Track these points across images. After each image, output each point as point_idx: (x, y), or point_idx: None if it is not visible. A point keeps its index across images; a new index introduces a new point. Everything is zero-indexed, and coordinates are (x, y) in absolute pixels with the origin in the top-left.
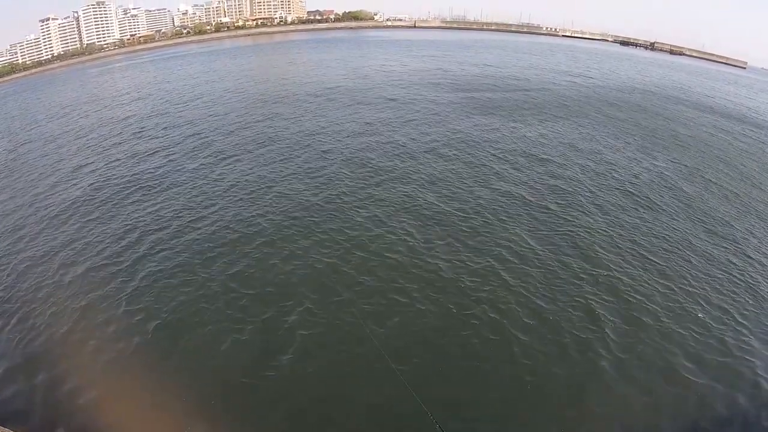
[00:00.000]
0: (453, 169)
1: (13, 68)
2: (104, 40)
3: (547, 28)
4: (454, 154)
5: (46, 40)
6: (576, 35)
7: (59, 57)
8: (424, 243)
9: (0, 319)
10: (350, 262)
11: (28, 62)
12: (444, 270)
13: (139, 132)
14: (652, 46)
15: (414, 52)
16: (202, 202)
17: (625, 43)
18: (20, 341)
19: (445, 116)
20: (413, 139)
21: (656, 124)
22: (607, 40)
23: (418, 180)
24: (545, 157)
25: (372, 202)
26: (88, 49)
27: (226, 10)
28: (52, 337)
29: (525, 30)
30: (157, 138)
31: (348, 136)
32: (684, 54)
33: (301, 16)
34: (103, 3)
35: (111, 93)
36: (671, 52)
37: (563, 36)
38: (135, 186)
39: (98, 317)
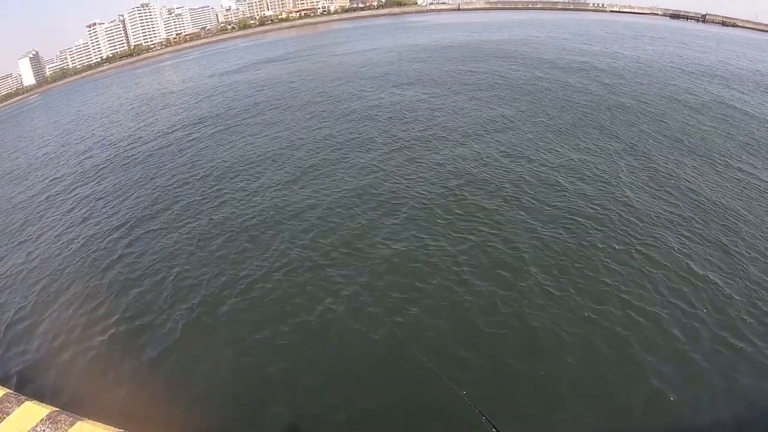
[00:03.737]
0: None
1: (64, 73)
2: (151, 41)
3: (593, 3)
4: None
5: (95, 44)
6: (624, 10)
7: (108, 60)
8: None
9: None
10: None
11: (78, 66)
12: None
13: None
14: (703, 19)
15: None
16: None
17: (675, 16)
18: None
19: None
20: None
21: None
22: (657, 14)
23: None
24: None
25: None
26: (136, 50)
27: (269, 3)
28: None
29: (572, 7)
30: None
31: None
32: (737, 26)
33: (344, 4)
34: (147, 5)
35: (157, 90)
36: (723, 24)
37: (611, 11)
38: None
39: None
